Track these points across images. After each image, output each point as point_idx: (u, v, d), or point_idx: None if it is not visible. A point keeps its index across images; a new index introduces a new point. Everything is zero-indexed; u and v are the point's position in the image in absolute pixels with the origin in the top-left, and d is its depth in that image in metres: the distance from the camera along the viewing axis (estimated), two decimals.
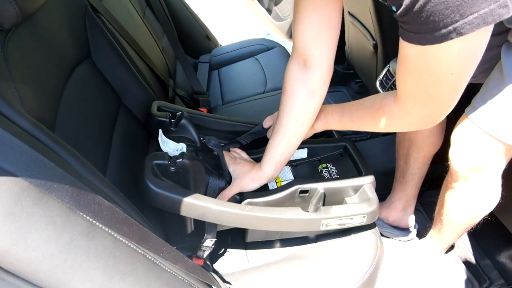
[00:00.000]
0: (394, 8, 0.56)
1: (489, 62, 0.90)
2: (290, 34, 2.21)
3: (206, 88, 1.72)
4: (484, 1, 0.48)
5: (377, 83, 1.69)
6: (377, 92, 1.70)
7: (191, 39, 1.98)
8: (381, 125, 0.79)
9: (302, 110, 0.86)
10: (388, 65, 1.65)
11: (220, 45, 2.15)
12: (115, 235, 0.52)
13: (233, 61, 1.91)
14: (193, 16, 1.99)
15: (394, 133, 1.33)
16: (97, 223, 0.50)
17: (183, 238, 0.87)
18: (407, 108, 0.71)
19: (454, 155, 0.99)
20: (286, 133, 0.87)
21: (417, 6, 0.51)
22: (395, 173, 1.36)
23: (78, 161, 0.57)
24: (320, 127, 0.92)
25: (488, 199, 1.02)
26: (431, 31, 0.52)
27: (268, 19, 2.35)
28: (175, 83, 1.54)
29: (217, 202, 0.80)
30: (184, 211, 0.77)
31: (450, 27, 0.51)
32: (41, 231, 0.44)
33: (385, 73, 1.66)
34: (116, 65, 0.99)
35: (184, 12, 1.95)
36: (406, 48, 0.60)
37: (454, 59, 0.56)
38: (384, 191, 1.41)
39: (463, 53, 0.55)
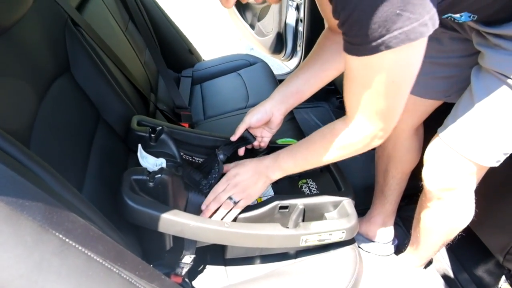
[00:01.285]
0: None
1: (464, 82, 0.93)
2: (273, 50, 2.24)
3: (188, 102, 1.72)
4: (407, 19, 0.55)
5: None
6: None
7: (173, 53, 1.98)
8: (338, 154, 0.80)
9: (330, 59, 0.91)
10: None
11: (203, 60, 2.16)
12: (88, 253, 0.50)
13: (216, 76, 1.91)
14: (176, 30, 1.99)
15: (374, 149, 1.35)
16: (70, 242, 0.48)
17: (161, 254, 0.86)
18: (358, 126, 0.73)
19: (427, 175, 1.01)
20: (310, 70, 0.92)
21: (350, 20, 0.58)
22: (374, 189, 1.38)
23: (52, 177, 0.56)
24: (276, 176, 0.89)
25: (461, 217, 1.04)
26: (364, 43, 0.58)
27: (251, 34, 2.38)
28: (157, 98, 1.53)
29: (196, 218, 0.79)
30: (162, 227, 0.75)
31: (379, 40, 0.57)
32: (10, 250, 0.43)
33: None
34: (96, 79, 0.98)
35: (167, 26, 1.95)
36: (350, 61, 0.65)
37: (393, 68, 0.62)
38: (364, 206, 1.42)
39: (400, 63, 0.61)
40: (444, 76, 1.03)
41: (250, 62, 1.95)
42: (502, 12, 0.76)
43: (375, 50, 0.58)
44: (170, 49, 1.95)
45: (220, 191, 0.86)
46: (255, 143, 1.00)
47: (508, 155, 0.89)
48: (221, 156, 0.95)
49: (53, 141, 0.75)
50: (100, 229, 0.57)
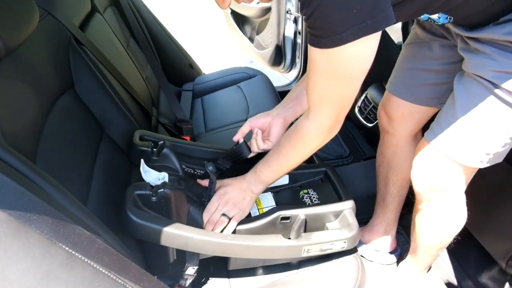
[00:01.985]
0: None
1: None
2: (272, 62, 2.26)
3: (189, 116, 1.74)
4: (363, 17, 0.63)
5: (356, 109, 1.74)
6: (356, 117, 1.75)
7: (174, 68, 2.01)
8: (306, 151, 0.87)
9: None
10: (365, 92, 1.70)
11: (203, 74, 2.18)
12: (94, 265, 0.51)
13: (216, 89, 1.94)
14: (176, 45, 2.03)
15: (375, 157, 1.36)
16: (76, 254, 0.50)
17: (165, 267, 0.87)
18: (320, 117, 0.80)
19: (415, 177, 1.03)
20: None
21: (312, 16, 0.65)
22: (376, 197, 1.39)
23: (59, 191, 0.58)
24: (259, 189, 0.94)
25: (453, 219, 1.05)
26: (325, 36, 0.66)
27: (250, 47, 2.41)
28: (159, 112, 1.55)
29: (198, 231, 0.80)
30: (166, 241, 0.77)
31: (338, 36, 0.64)
32: (19, 263, 0.44)
33: (363, 99, 1.71)
34: (99, 95, 1.01)
35: (167, 42, 1.98)
36: (313, 54, 0.71)
37: (351, 61, 0.69)
38: (366, 214, 1.43)
39: (357, 57, 0.69)
40: (436, 82, 1.05)
41: (249, 74, 1.97)
42: (477, 14, 0.80)
43: (335, 43, 0.65)
44: (171, 64, 1.98)
45: (213, 211, 0.90)
46: (255, 149, 1.01)
47: (491, 156, 0.90)
48: (210, 168, 0.94)
49: (58, 156, 0.76)
50: (105, 241, 0.58)
